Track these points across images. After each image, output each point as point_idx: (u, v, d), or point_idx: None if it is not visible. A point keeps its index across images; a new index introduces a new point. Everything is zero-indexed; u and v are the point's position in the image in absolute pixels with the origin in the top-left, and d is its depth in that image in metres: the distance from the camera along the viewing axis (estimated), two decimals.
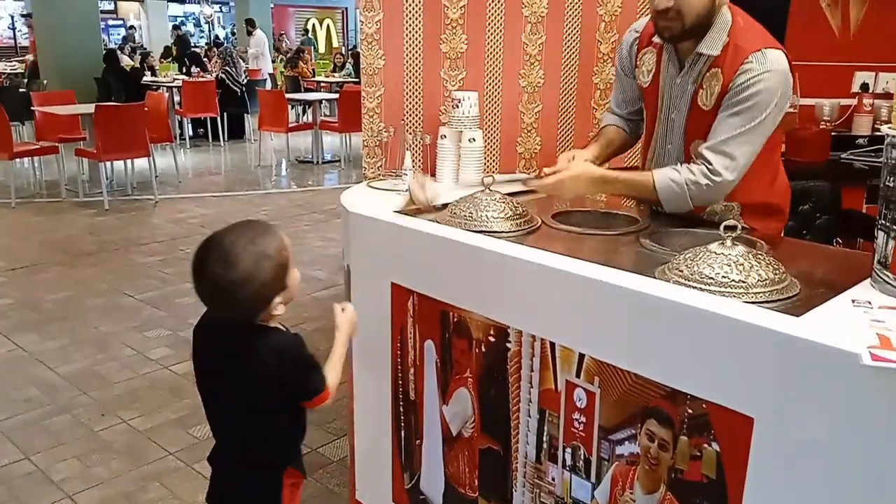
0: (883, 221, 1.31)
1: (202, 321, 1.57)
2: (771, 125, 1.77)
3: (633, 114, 2.16)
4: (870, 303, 1.29)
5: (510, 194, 1.95)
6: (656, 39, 1.91)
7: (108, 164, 7.29)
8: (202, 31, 22.81)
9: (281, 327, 1.52)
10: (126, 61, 11.85)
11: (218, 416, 1.59)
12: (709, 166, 1.78)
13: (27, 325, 4.04)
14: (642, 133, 2.16)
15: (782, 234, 2.07)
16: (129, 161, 7.43)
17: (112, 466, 2.71)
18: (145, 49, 15.18)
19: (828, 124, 3.60)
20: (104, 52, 11.32)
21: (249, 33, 13.31)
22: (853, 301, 1.31)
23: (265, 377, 1.47)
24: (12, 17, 19.53)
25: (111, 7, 21.30)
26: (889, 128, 1.30)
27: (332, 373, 1.58)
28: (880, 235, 1.32)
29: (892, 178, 1.28)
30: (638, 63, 2.02)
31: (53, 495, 2.53)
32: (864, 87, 3.62)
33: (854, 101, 3.63)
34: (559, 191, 1.95)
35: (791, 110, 3.37)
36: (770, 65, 1.72)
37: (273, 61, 14.33)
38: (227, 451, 1.60)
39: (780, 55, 1.74)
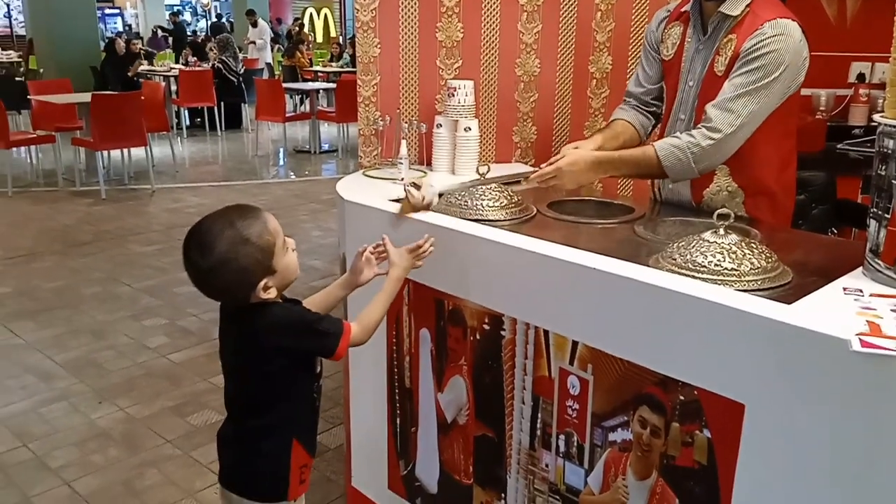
0: (875, 210, 1.32)
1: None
2: (779, 91, 1.76)
3: (649, 98, 2.12)
4: (861, 291, 1.30)
5: (506, 183, 1.96)
6: (685, 9, 1.93)
7: (105, 153, 7.28)
8: (198, 20, 22.73)
9: (277, 301, 1.46)
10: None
11: (233, 394, 1.57)
12: (709, 124, 1.77)
13: (24, 314, 4.05)
14: (652, 130, 2.15)
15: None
16: (125, 150, 7.42)
17: (109, 454, 2.73)
18: (129, 37, 14.99)
19: (824, 114, 3.60)
20: (105, 41, 11.27)
21: (254, 24, 13.27)
22: (844, 289, 1.31)
23: (275, 354, 1.45)
24: (8, 6, 19.41)
25: None
26: (881, 116, 1.31)
27: (370, 311, 1.54)
28: (872, 224, 1.33)
29: (883, 167, 1.29)
30: (664, 38, 2.03)
31: (51, 482, 2.54)
32: (861, 77, 3.62)
33: (850, 92, 3.63)
34: (559, 180, 1.90)
35: None
36: (782, 30, 1.73)
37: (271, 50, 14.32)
38: (237, 426, 1.56)
39: (795, 26, 1.75)
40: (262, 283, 1.40)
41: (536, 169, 1.98)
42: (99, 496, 2.47)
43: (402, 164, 2.25)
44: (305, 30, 17.34)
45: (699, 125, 1.81)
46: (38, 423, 2.93)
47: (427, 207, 1.82)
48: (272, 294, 1.42)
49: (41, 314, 4.05)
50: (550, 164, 1.89)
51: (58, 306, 4.18)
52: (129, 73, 10.26)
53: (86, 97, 6.87)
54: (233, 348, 1.52)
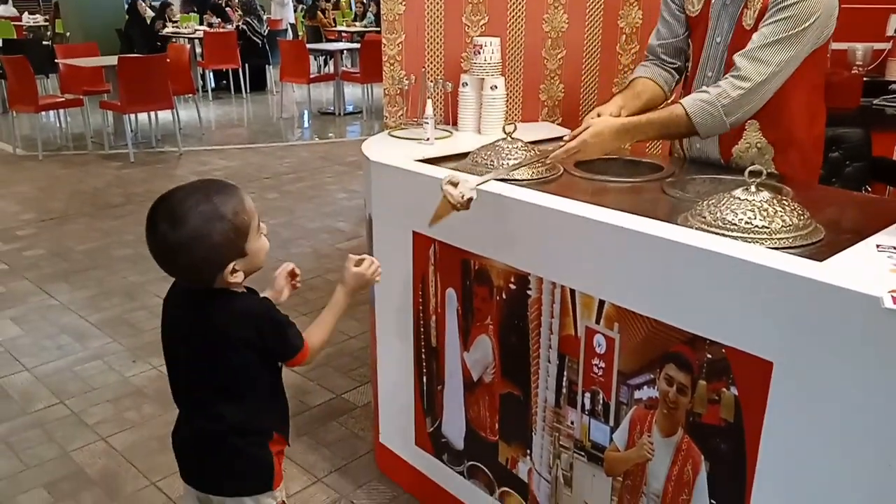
0: None
1: (173, 287, 1.45)
2: (810, 40, 1.71)
3: (672, 51, 2.06)
4: (894, 248, 1.27)
5: (533, 142, 1.94)
6: None
7: (133, 116, 7.33)
8: None
9: (244, 290, 1.39)
10: (148, 13, 11.80)
11: (192, 388, 1.44)
12: (737, 73, 1.72)
13: (58, 275, 4.13)
14: (676, 85, 2.09)
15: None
16: (152, 113, 7.48)
17: (143, 410, 2.80)
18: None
19: (860, 69, 3.51)
20: (127, 3, 11.27)
21: None
22: (878, 246, 1.29)
23: (241, 345, 1.35)
24: None
25: None
26: None
27: (318, 329, 1.47)
28: None
29: None
30: None
31: (88, 437, 2.62)
32: None
33: (888, 46, 3.52)
34: (584, 154, 1.82)
35: None
36: None
37: (294, 10, 14.22)
38: (205, 424, 1.43)
39: None
40: (230, 266, 1.31)
41: (559, 140, 1.91)
42: (134, 450, 2.54)
43: (427, 123, 2.24)
44: None
45: (727, 75, 1.76)
46: (75, 381, 3.01)
47: (467, 206, 1.58)
48: (239, 278, 1.33)
49: (74, 275, 4.13)
50: (574, 137, 1.81)
51: (90, 268, 4.25)
52: (158, 42, 10.24)
53: (112, 60, 6.89)
54: (191, 337, 1.39)
